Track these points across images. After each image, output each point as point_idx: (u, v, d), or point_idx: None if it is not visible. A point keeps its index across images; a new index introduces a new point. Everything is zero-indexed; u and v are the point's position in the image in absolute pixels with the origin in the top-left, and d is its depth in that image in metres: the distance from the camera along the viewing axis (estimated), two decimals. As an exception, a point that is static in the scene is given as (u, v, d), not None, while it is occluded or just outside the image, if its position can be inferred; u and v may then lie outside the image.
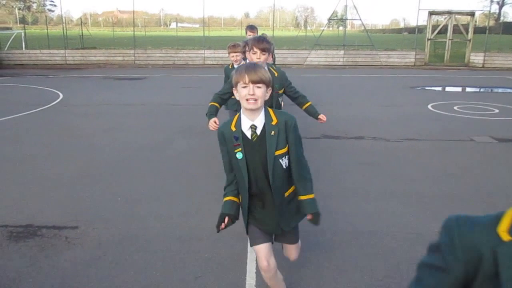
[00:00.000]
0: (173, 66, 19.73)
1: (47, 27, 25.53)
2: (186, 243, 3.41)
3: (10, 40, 22.68)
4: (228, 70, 5.26)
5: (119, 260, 3.16)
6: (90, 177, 4.99)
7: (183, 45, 23.59)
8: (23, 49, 21.56)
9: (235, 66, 5.00)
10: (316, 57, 20.32)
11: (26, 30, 24.01)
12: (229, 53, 5.26)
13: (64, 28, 21.91)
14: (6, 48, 21.43)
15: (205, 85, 12.73)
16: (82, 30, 25.36)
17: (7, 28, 36.65)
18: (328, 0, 22.39)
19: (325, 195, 4.42)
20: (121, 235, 3.55)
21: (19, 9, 71.86)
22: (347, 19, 24.07)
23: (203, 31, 21.56)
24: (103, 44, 25.23)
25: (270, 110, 2.21)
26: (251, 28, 6.28)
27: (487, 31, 21.00)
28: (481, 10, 35.25)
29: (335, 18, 26.23)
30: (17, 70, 18.11)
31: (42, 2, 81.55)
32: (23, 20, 34.43)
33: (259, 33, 6.68)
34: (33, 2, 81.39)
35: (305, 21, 65.64)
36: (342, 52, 20.45)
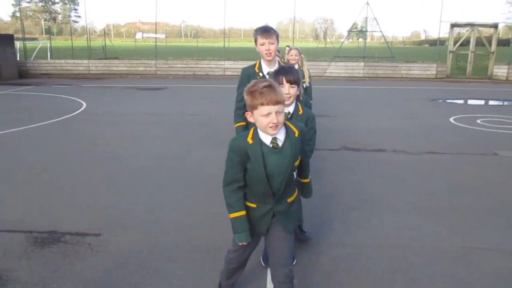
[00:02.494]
0: (194, 76, 19.98)
1: (71, 37, 26.21)
2: (206, 252, 3.43)
3: (36, 50, 23.34)
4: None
5: (139, 268, 3.20)
6: (112, 185, 5.08)
7: (203, 56, 23.87)
8: (48, 59, 22.17)
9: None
10: (336, 68, 20.31)
11: (52, 41, 24.66)
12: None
13: (88, 39, 22.47)
14: (32, 58, 22.06)
15: (225, 96, 12.84)
16: (105, 40, 25.92)
17: (34, 39, 37.72)
18: (348, 12, 22.46)
19: (345, 208, 4.40)
20: (142, 243, 3.60)
21: (45, 20, 73.90)
22: (367, 31, 24.02)
23: (223, 42, 21.80)
24: (125, 55, 25.73)
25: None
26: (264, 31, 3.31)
27: (510, 43, 20.67)
28: (505, 22, 34.74)
29: (355, 30, 26.19)
30: (42, 79, 18.61)
31: (68, 14, 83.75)
32: (48, 31, 35.39)
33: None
34: (59, 14, 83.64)
35: (325, 33, 65.73)
36: (362, 64, 20.39)
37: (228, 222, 2.38)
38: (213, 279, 3.04)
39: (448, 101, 12.91)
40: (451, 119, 9.42)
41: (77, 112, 10.21)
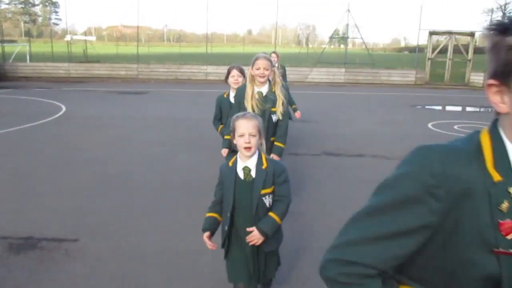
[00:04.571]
0: (176, 81, 19.89)
1: (51, 40, 25.82)
2: (187, 257, 3.42)
3: (15, 53, 22.91)
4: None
5: (118, 274, 3.16)
6: (91, 190, 5.01)
7: (185, 60, 23.81)
8: (28, 61, 21.77)
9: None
10: (318, 74, 20.48)
11: (31, 43, 24.27)
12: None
13: (69, 42, 22.17)
14: (11, 61, 21.64)
15: (207, 100, 12.82)
16: (86, 44, 25.65)
17: (13, 41, 37.02)
18: (330, 18, 22.76)
19: (325, 213, 4.44)
20: (121, 248, 3.56)
21: (25, 22, 72.65)
22: (348, 37, 24.32)
23: (206, 47, 21.79)
24: (106, 58, 25.46)
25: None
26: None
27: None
28: (481, 31, 35.59)
29: (337, 36, 26.50)
30: (21, 82, 18.27)
31: (48, 16, 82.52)
32: (28, 33, 34.81)
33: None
34: (39, 16, 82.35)
35: (307, 39, 66.25)
36: (343, 70, 20.62)
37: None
38: (193, 285, 3.03)
39: (426, 107, 13.14)
40: (430, 125, 9.59)
41: (57, 115, 10.05)
